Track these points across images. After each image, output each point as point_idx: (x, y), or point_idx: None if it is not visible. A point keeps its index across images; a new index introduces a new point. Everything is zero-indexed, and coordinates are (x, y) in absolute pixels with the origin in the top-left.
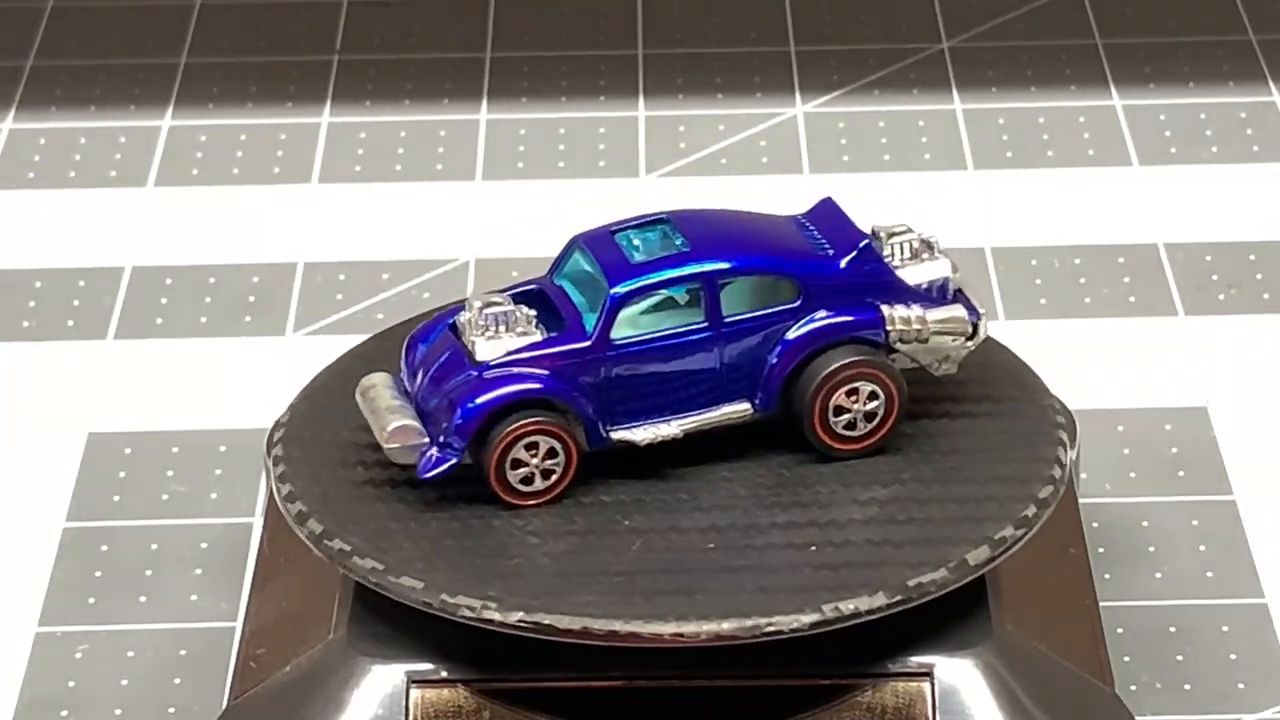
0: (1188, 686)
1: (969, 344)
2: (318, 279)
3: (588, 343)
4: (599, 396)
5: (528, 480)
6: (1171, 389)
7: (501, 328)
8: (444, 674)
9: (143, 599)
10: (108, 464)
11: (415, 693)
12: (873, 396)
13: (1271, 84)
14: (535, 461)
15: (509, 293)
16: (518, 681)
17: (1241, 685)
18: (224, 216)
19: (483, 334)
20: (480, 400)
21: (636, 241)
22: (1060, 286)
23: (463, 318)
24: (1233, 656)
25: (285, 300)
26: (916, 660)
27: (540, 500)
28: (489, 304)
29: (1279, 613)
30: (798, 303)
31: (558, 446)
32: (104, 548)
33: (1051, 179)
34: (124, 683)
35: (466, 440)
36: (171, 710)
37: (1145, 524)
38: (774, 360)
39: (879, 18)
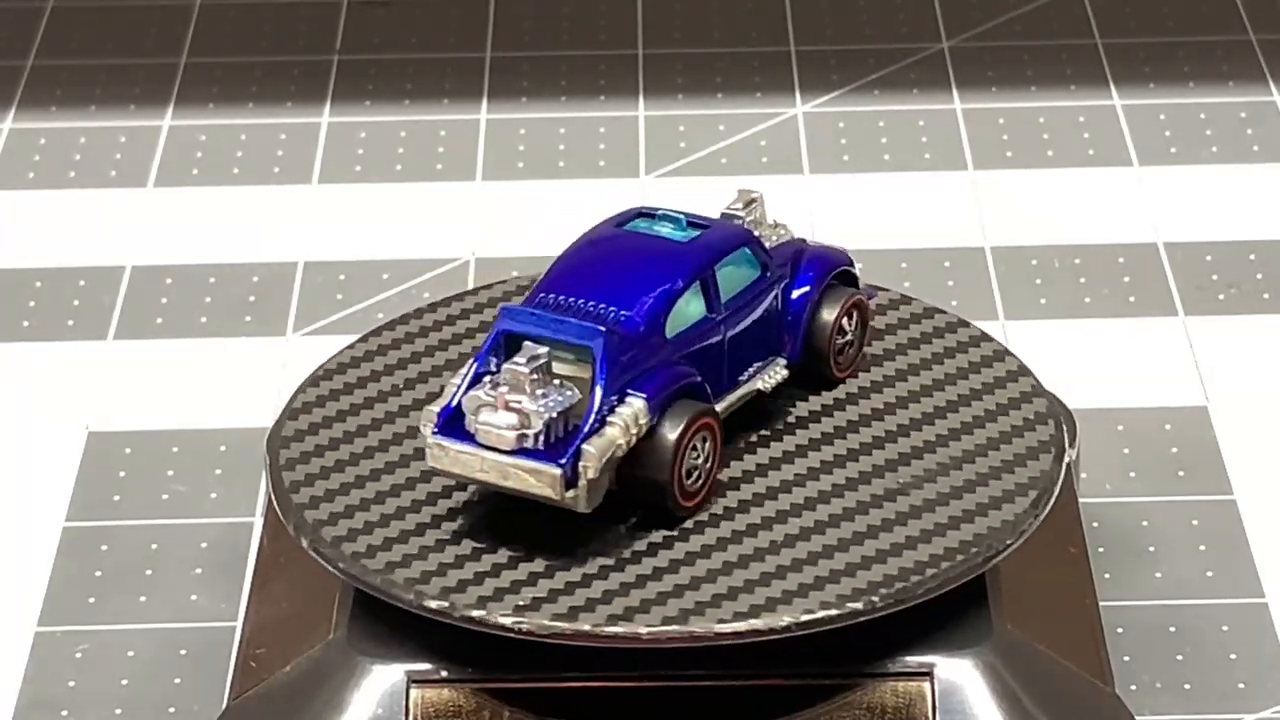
0: (1188, 686)
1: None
2: (318, 279)
3: None
4: None
5: None
6: (1171, 389)
7: None
8: (444, 674)
9: (143, 599)
10: (108, 464)
11: (415, 693)
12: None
13: (1271, 84)
14: None
15: None
16: (518, 681)
17: (1241, 685)
18: (224, 216)
19: None
20: None
21: (669, 219)
22: (1060, 286)
23: None
24: (1233, 656)
25: (285, 300)
26: (916, 660)
27: None
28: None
29: (1279, 613)
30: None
31: None
32: (104, 548)
33: (1051, 179)
34: (124, 683)
35: None
36: (171, 710)
37: (1145, 524)
38: None
39: (879, 18)
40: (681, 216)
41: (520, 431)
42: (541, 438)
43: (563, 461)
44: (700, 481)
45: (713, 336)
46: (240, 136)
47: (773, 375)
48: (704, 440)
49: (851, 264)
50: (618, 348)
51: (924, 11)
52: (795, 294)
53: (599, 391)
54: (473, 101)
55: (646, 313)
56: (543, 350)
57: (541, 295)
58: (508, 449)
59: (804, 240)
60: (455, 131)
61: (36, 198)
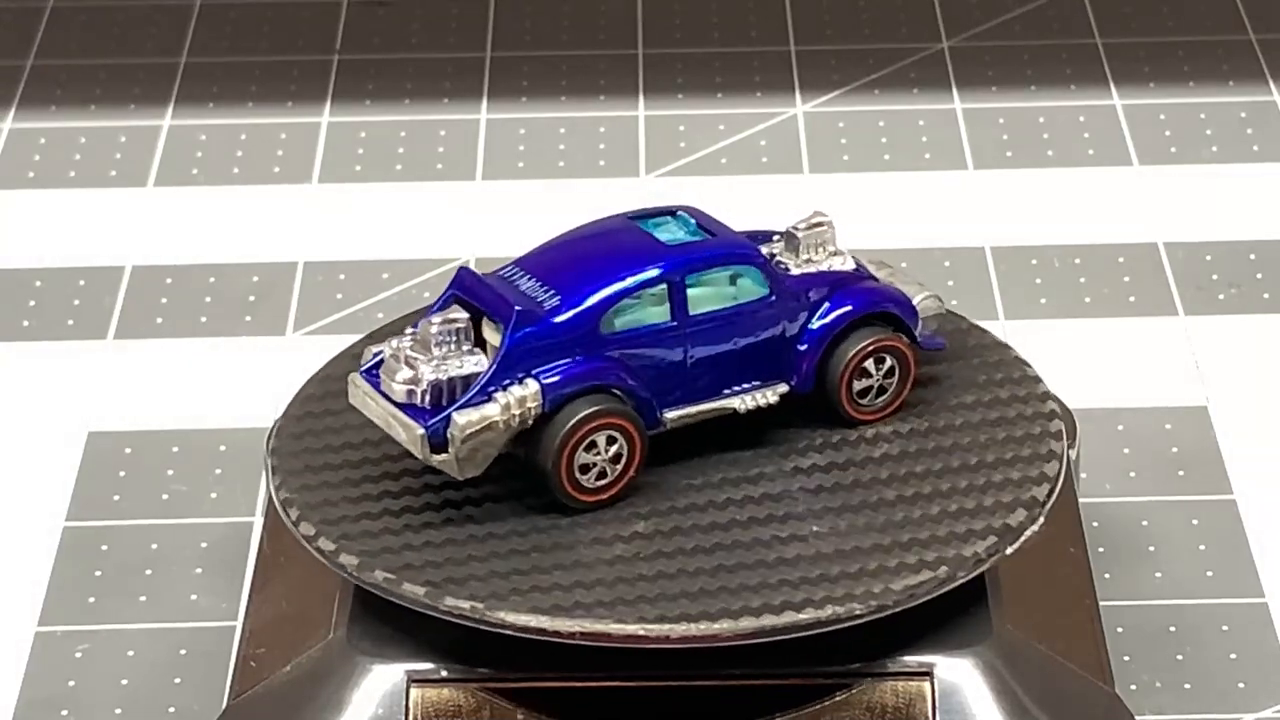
0: (1188, 686)
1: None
2: (318, 279)
3: None
4: None
5: None
6: (1171, 389)
7: None
8: (444, 674)
9: (143, 599)
10: (108, 464)
11: (415, 692)
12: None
13: (1271, 84)
14: None
15: None
16: (518, 681)
17: (1241, 685)
18: (224, 216)
19: None
20: None
21: (683, 222)
22: (1060, 286)
23: None
24: (1233, 656)
25: (285, 300)
26: (916, 660)
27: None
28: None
29: (1279, 612)
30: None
31: None
32: (104, 548)
33: (1051, 179)
34: (124, 683)
35: None
36: (171, 710)
37: (1145, 524)
38: None
39: (879, 18)
40: (693, 221)
41: (409, 387)
42: (428, 396)
43: (430, 423)
44: (601, 479)
45: (671, 345)
46: (240, 136)
47: (756, 398)
48: (610, 440)
49: (902, 309)
50: (531, 329)
51: (924, 11)
52: (815, 324)
53: (494, 367)
54: (473, 101)
55: (578, 304)
56: (462, 315)
57: (509, 269)
58: (398, 401)
59: (869, 273)
60: (455, 131)
61: (36, 198)
